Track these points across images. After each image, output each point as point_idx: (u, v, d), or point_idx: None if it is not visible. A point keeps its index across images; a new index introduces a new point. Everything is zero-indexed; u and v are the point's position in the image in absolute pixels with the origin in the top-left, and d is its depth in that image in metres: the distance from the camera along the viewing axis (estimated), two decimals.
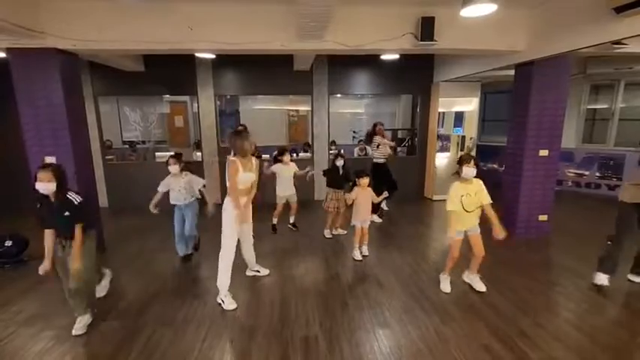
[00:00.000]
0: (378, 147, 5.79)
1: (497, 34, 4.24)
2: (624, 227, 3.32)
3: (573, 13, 3.61)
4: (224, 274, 3.22)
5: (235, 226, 3.21)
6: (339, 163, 4.82)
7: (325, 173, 4.99)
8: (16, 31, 3.42)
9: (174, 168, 3.95)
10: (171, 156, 4.01)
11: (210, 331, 2.85)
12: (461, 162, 3.15)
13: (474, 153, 7.34)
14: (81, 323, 2.83)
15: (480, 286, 3.42)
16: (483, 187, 3.22)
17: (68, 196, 2.63)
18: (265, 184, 4.91)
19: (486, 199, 3.21)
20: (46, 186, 2.51)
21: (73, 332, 2.79)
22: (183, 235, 4.17)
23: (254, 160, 3.31)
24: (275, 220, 5.22)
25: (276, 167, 4.99)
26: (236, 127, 5.26)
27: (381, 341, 2.71)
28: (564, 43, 3.75)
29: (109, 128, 7.49)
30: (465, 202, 3.14)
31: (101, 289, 3.31)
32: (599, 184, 7.38)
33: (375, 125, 5.88)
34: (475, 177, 3.18)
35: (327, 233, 5.05)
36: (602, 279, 3.37)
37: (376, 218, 5.60)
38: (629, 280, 3.55)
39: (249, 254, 3.69)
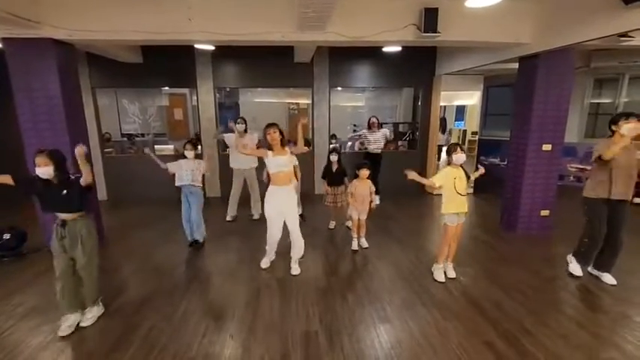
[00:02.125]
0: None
1: (502, 26, 4.15)
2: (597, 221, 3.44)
3: (580, 5, 3.52)
4: (267, 246, 3.82)
5: (267, 209, 3.58)
6: (334, 157, 4.78)
7: (323, 175, 4.93)
8: (11, 21, 3.34)
9: (190, 153, 4.11)
10: (189, 141, 4.17)
11: (210, 325, 2.84)
12: (449, 151, 3.37)
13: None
14: (90, 314, 2.89)
15: (451, 273, 3.58)
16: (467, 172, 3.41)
17: (70, 176, 2.69)
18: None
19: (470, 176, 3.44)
20: (44, 170, 2.56)
21: (82, 324, 2.83)
22: (189, 220, 4.27)
23: (288, 150, 3.50)
24: None
25: None
26: (235, 119, 5.24)
27: (382, 336, 2.69)
28: (571, 35, 3.68)
29: (107, 121, 7.43)
30: (457, 185, 3.31)
31: (88, 319, 2.89)
32: None
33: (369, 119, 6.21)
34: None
35: (331, 225, 5.14)
36: (578, 270, 3.62)
37: (376, 199, 5.94)
38: (590, 272, 3.64)
39: (292, 239, 3.77)
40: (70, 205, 2.71)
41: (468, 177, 3.37)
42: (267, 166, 3.51)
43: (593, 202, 3.40)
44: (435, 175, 3.48)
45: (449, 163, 3.40)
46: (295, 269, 3.74)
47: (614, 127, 3.24)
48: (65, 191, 2.64)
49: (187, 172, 4.10)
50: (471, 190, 3.46)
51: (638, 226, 4.98)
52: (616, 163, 3.22)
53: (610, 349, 2.55)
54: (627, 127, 3.06)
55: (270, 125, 3.44)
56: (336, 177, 4.78)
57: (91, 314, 2.90)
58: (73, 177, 2.72)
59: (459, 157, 3.28)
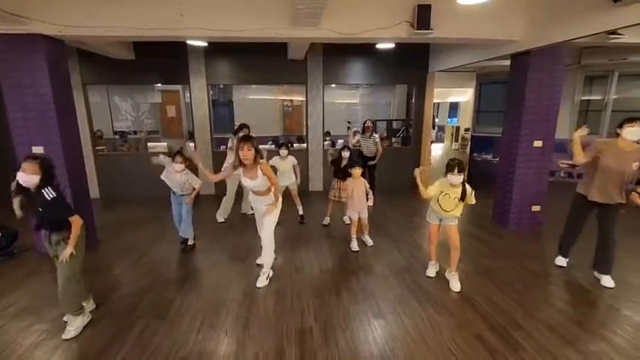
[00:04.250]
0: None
1: (495, 23, 4.17)
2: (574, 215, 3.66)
3: (570, 2, 3.56)
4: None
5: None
6: (345, 154, 4.82)
7: (332, 162, 4.99)
8: (0, 16, 3.28)
9: (179, 167, 3.95)
10: (178, 152, 4.00)
11: (204, 323, 2.83)
12: (447, 168, 3.18)
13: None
14: (72, 326, 2.68)
15: (455, 286, 3.34)
16: (466, 193, 3.17)
17: (42, 191, 2.38)
18: None
19: (470, 201, 3.23)
20: (27, 178, 2.32)
21: (63, 336, 2.64)
22: (180, 218, 4.24)
23: (259, 167, 3.11)
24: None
25: (274, 161, 5.01)
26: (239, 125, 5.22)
27: (376, 332, 2.71)
28: (562, 32, 3.71)
29: (99, 118, 7.34)
30: (441, 201, 3.28)
31: (70, 331, 2.68)
32: None
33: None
34: (464, 184, 3.17)
35: (326, 221, 5.18)
36: (560, 261, 3.82)
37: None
38: (595, 276, 3.50)
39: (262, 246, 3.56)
40: (46, 222, 2.50)
41: (463, 199, 3.18)
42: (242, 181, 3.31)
43: (576, 196, 3.58)
44: (434, 183, 3.36)
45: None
46: (261, 281, 3.44)
47: (618, 131, 3.20)
48: (40, 209, 2.39)
49: (177, 185, 4.05)
50: (473, 202, 3.29)
51: (635, 225, 5.04)
52: (604, 167, 3.23)
53: (599, 341, 2.60)
54: (629, 131, 3.10)
55: (245, 140, 3.03)
56: (343, 171, 4.80)
57: (75, 325, 2.67)
58: (49, 196, 2.38)
59: (454, 178, 3.12)
